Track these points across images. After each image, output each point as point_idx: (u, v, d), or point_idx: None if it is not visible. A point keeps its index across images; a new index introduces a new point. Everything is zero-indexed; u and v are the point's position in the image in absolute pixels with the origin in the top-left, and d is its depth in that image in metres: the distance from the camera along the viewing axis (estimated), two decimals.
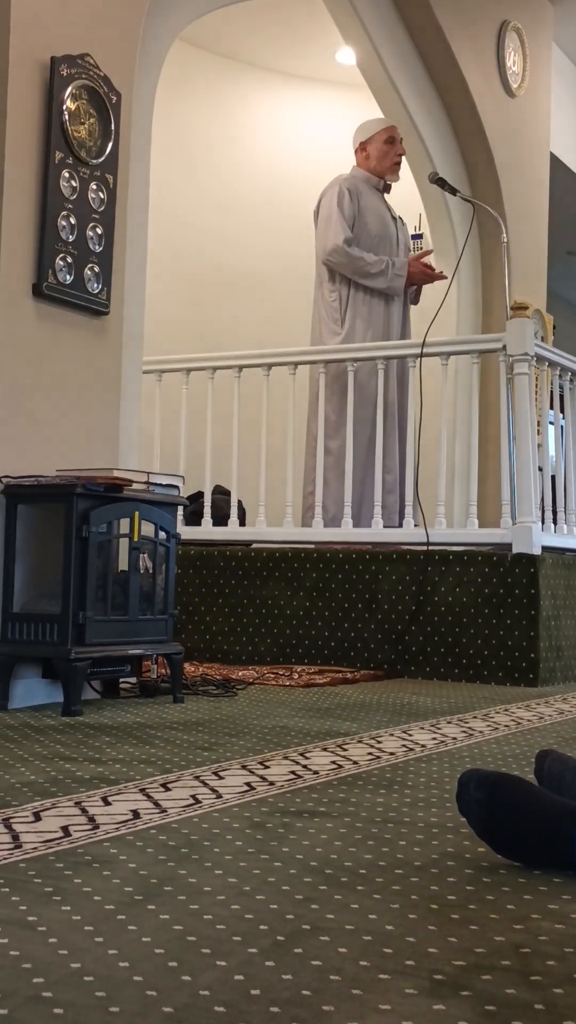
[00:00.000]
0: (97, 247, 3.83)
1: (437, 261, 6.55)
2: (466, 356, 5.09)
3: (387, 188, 5.56)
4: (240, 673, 4.47)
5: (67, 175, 3.70)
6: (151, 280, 5.05)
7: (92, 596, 3.42)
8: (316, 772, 2.43)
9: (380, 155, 5.49)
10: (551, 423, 5.63)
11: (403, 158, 5.61)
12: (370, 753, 2.70)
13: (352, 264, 5.30)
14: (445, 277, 5.51)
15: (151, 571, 3.71)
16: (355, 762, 2.57)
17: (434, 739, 2.95)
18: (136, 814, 1.98)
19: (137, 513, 3.61)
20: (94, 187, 3.81)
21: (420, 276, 5.45)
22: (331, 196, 5.38)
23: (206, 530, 5.28)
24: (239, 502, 5.38)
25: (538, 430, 5.02)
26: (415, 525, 4.85)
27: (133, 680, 3.95)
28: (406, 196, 6.22)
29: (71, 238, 3.72)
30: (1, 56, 3.54)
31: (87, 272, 3.79)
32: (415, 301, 5.60)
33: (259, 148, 7.38)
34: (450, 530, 4.87)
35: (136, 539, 3.61)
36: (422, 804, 2.12)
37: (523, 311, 4.84)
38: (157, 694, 3.82)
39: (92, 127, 3.80)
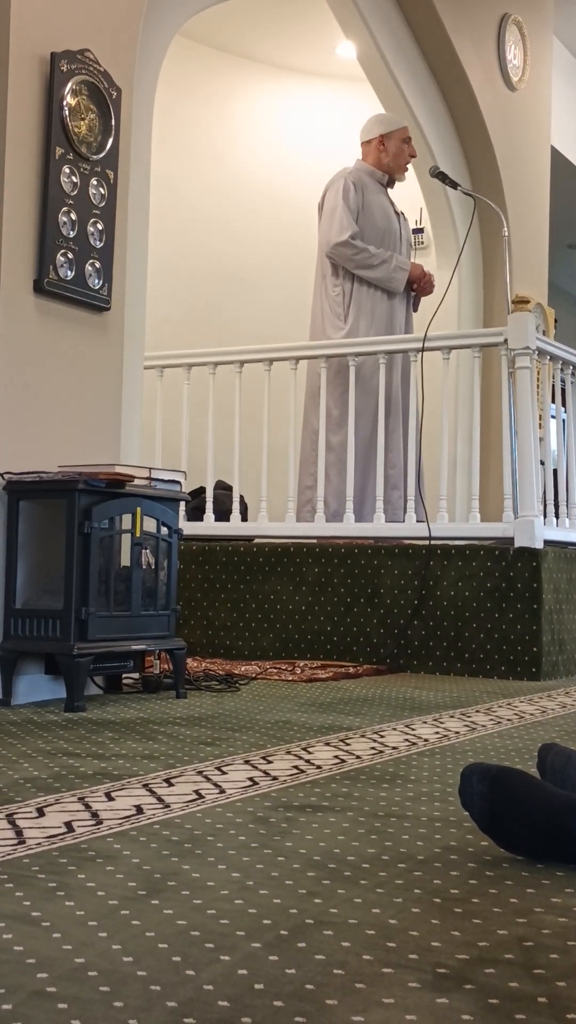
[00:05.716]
0: (98, 243, 3.82)
1: (438, 255, 6.56)
2: (467, 350, 5.09)
3: (391, 183, 5.55)
4: (243, 668, 4.47)
5: (68, 171, 3.70)
6: (152, 275, 5.05)
7: (94, 592, 3.42)
8: (319, 767, 2.43)
9: (398, 152, 5.47)
10: (553, 417, 5.63)
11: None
12: (373, 747, 2.70)
13: (356, 258, 5.28)
14: (430, 290, 5.49)
15: (153, 567, 3.72)
16: (358, 756, 2.57)
17: (437, 733, 2.95)
18: (139, 809, 1.98)
19: (139, 509, 3.61)
20: (95, 183, 3.81)
21: (419, 277, 5.40)
22: (336, 189, 5.35)
23: (208, 525, 5.28)
24: (241, 497, 5.37)
25: (540, 424, 5.02)
26: (417, 520, 4.85)
27: (136, 675, 3.95)
28: (407, 191, 6.21)
29: (72, 234, 3.71)
30: (1, 51, 3.54)
31: (88, 268, 3.78)
32: (415, 308, 5.59)
33: (259, 142, 7.38)
34: (452, 524, 4.87)
35: (138, 535, 3.61)
36: (425, 798, 2.13)
37: (524, 305, 4.84)
38: (160, 689, 3.82)
39: (92, 123, 3.80)
